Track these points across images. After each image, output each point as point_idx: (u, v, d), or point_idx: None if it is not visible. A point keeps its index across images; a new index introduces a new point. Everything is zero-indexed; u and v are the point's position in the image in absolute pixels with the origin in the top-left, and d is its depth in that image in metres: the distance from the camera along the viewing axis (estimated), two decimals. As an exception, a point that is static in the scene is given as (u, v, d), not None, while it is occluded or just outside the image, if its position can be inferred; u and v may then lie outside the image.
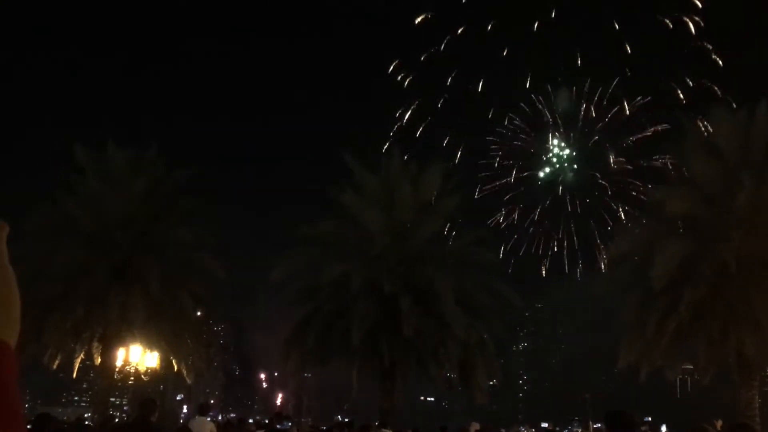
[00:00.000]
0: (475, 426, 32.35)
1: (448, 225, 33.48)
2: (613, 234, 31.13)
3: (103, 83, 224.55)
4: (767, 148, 28.54)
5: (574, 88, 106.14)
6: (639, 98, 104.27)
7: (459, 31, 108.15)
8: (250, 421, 34.92)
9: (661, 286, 27.05)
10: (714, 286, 27.27)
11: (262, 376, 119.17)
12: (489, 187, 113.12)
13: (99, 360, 32.65)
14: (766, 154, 28.44)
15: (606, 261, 30.67)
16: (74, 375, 35.90)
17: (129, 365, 33.34)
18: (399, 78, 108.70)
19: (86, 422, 27.61)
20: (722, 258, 26.61)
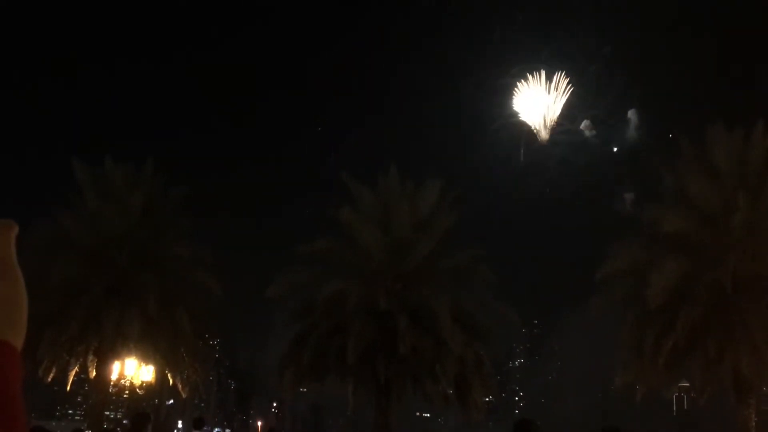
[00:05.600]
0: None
1: (445, 242, 33.43)
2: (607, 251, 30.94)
3: (100, 95, 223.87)
4: (763, 168, 28.66)
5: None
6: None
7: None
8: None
9: (657, 305, 27.08)
10: (710, 306, 27.31)
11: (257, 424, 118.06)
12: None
13: (94, 373, 32.57)
14: (763, 175, 28.56)
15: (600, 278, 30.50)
16: (68, 388, 35.81)
17: (124, 379, 33.28)
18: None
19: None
20: (718, 278, 26.67)
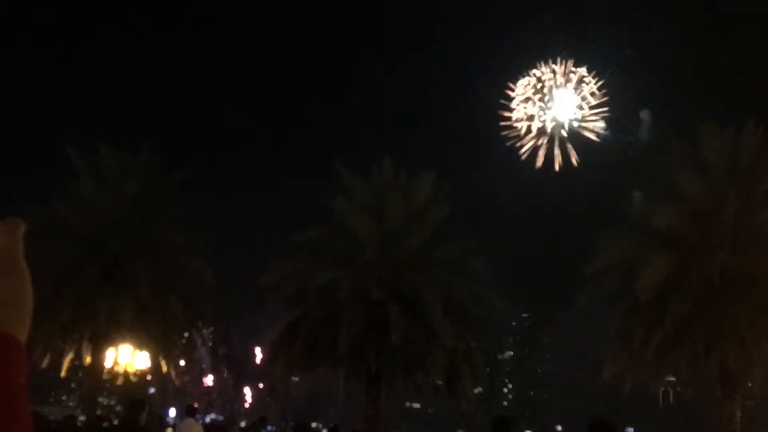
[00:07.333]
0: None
1: (439, 234, 33.62)
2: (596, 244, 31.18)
3: (94, 77, 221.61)
4: (754, 165, 28.91)
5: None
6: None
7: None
8: (242, 424, 34.98)
9: (647, 298, 27.31)
10: (699, 301, 27.52)
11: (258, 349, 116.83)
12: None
13: (89, 360, 32.70)
14: (753, 171, 28.81)
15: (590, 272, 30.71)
16: (63, 374, 35.97)
17: (118, 366, 33.42)
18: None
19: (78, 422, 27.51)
20: (708, 273, 26.90)
